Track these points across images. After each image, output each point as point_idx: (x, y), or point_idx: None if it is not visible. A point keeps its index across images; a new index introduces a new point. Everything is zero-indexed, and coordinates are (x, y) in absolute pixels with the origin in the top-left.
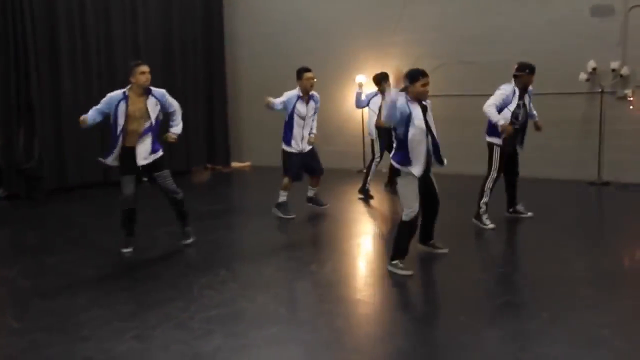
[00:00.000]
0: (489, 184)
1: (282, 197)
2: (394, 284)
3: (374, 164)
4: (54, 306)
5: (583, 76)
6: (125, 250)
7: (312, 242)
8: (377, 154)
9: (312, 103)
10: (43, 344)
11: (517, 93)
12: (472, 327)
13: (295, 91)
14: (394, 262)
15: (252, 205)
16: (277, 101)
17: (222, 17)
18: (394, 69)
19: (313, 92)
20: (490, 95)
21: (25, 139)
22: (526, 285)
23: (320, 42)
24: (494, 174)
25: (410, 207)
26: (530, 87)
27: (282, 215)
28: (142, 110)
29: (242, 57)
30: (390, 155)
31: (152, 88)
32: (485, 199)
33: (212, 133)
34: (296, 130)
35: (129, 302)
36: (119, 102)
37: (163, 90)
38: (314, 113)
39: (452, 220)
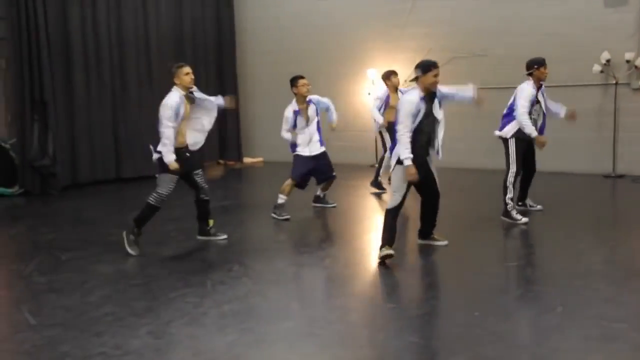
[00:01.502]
0: (510, 179)
1: (281, 199)
2: (407, 279)
3: (386, 157)
4: (69, 302)
5: (597, 68)
6: (131, 251)
7: (324, 238)
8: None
9: (312, 107)
10: (58, 340)
11: (535, 91)
12: (486, 322)
13: (290, 108)
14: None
15: (264, 200)
16: (288, 135)
17: (232, 13)
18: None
19: (310, 97)
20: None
21: (40, 136)
22: (540, 279)
23: (330, 37)
24: (513, 169)
25: (395, 195)
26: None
27: (277, 217)
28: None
29: (253, 52)
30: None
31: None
32: (509, 195)
33: (224, 129)
34: (300, 138)
35: (142, 298)
36: (180, 105)
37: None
38: (318, 114)
39: (463, 213)
